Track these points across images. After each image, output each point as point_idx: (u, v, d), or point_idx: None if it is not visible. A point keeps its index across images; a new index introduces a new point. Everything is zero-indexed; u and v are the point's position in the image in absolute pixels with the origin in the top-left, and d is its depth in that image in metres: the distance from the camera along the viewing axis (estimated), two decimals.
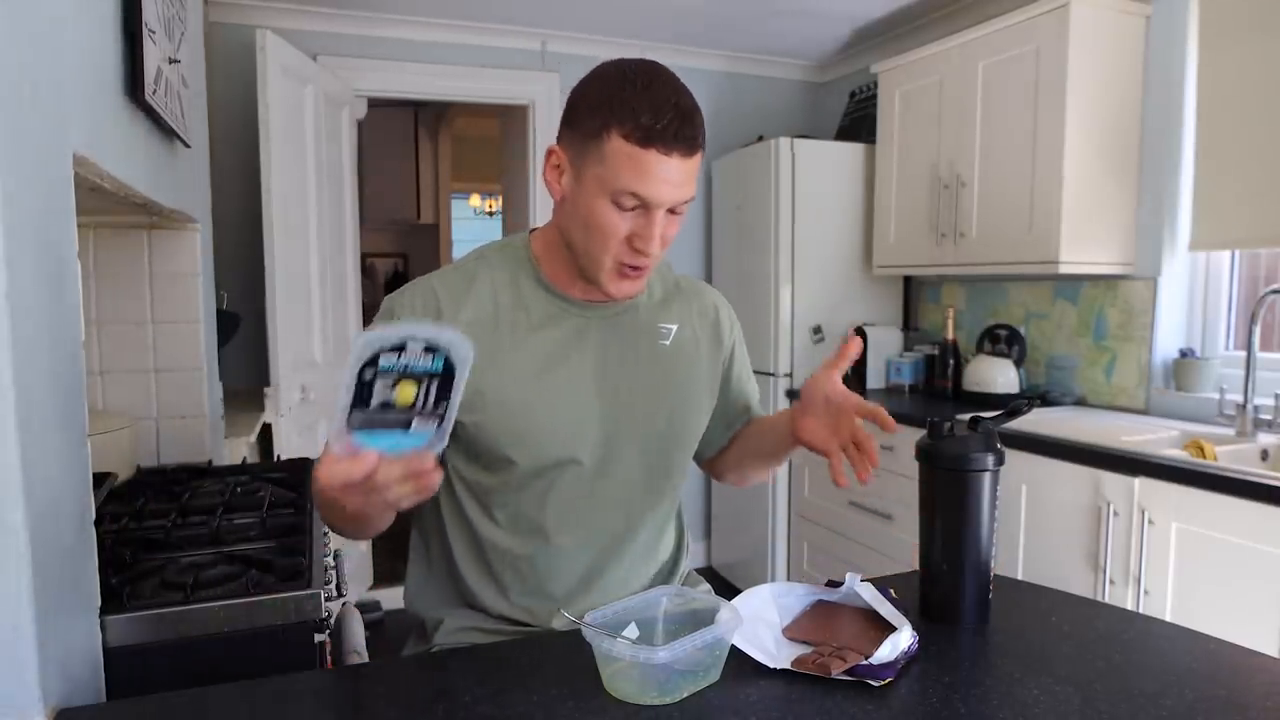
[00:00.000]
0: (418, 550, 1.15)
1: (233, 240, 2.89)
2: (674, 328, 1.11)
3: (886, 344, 3.17)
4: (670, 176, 0.92)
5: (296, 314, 2.73)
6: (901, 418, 2.61)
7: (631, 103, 0.90)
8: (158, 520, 1.35)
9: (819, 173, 3.16)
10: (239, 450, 2.16)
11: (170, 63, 1.45)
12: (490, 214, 7.86)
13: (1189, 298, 2.45)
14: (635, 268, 0.97)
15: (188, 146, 1.69)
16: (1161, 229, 2.40)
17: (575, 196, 0.97)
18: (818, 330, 3.21)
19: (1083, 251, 2.40)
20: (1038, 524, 2.14)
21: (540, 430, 1.01)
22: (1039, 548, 2.14)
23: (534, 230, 1.10)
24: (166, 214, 1.65)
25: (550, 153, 0.99)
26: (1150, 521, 1.85)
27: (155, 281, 1.85)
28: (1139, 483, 1.87)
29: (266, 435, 2.59)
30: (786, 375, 3.18)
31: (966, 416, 0.94)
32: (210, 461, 1.85)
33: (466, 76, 3.36)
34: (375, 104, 3.50)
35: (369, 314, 1.48)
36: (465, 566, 1.07)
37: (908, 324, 3.37)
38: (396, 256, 7.00)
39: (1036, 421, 2.23)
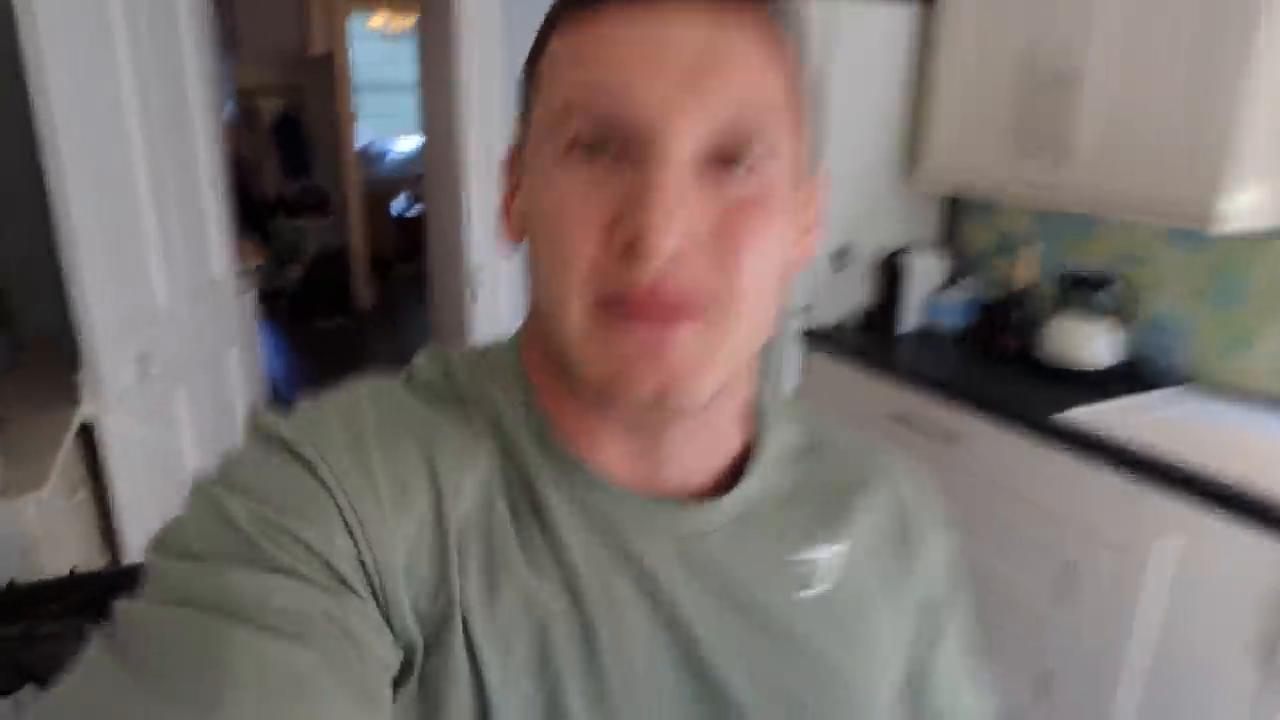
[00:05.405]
0: None
1: None
2: (827, 554, 0.54)
3: (928, 276, 2.50)
4: (664, 53, 0.40)
5: (117, 251, 1.86)
6: (943, 388, 1.94)
7: None
8: None
9: (852, 42, 2.32)
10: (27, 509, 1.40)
11: None
12: (397, 37, 6.51)
13: None
14: (633, 302, 0.42)
15: None
16: None
17: (528, 189, 0.48)
18: (842, 254, 2.49)
19: (1254, 203, 1.73)
20: (1179, 596, 1.61)
21: None
22: (1180, 628, 1.62)
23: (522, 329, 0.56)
24: None
25: (503, 166, 0.53)
26: None
27: None
28: None
29: (89, 439, 1.80)
30: (804, 309, 2.49)
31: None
32: None
33: None
34: None
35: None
36: None
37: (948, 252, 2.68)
38: (285, 94, 5.76)
39: (1152, 426, 1.64)
